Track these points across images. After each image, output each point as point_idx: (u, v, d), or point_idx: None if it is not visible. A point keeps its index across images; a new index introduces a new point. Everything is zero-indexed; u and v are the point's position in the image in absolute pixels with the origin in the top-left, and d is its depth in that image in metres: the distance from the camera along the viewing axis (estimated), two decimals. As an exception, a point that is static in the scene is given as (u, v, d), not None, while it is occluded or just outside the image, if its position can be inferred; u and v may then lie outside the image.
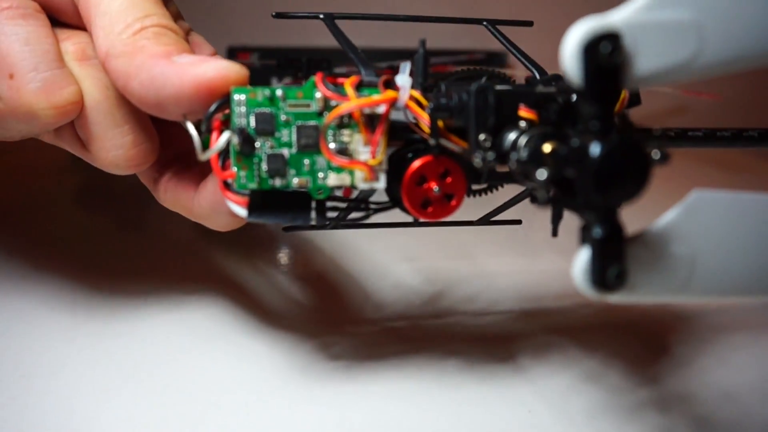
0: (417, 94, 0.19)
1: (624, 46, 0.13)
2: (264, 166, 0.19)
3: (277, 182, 0.19)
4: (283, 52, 0.48)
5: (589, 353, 0.26)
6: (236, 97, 0.19)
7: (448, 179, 0.20)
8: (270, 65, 0.39)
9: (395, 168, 0.20)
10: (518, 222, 0.25)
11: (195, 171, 0.23)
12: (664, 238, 0.15)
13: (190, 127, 0.20)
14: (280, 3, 0.27)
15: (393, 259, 0.35)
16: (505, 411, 0.23)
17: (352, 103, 0.19)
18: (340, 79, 0.19)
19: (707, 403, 0.24)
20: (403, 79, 0.19)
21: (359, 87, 0.19)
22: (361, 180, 0.19)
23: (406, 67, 0.20)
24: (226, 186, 0.19)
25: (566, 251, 0.15)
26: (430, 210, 0.20)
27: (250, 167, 0.19)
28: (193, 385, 0.24)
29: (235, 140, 0.19)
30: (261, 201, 0.20)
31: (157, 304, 0.29)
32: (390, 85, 0.19)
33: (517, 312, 0.30)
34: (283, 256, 0.36)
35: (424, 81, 0.20)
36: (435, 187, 0.20)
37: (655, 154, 0.14)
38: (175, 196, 0.23)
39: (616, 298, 0.15)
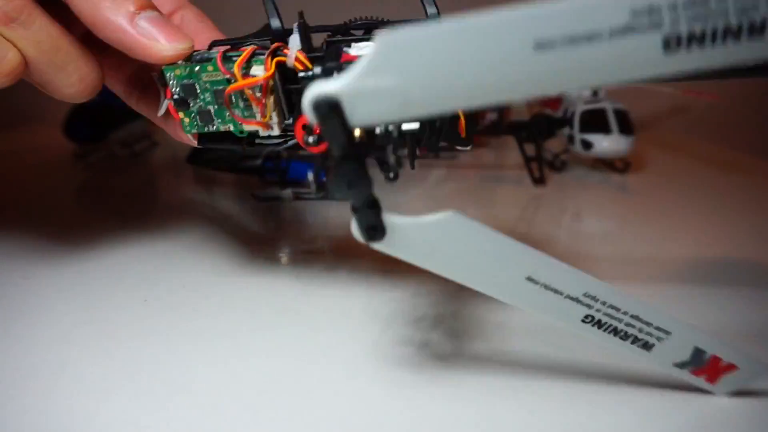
0: (302, 56, 0.23)
1: (341, 106, 0.18)
2: (197, 118, 0.25)
3: (209, 128, 0.25)
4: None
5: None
6: (167, 74, 0.25)
7: None
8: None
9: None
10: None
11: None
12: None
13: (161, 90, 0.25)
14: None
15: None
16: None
17: (237, 83, 0.23)
18: (243, 48, 0.24)
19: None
20: (293, 42, 0.23)
21: (251, 57, 0.24)
22: (261, 130, 0.25)
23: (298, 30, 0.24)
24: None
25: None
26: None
27: (190, 118, 0.25)
28: (194, 385, 0.24)
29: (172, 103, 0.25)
30: (206, 135, 0.26)
31: (157, 303, 0.29)
32: (278, 52, 0.23)
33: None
34: (283, 257, 0.37)
35: (305, 46, 0.24)
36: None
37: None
38: (146, 108, 0.28)
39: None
